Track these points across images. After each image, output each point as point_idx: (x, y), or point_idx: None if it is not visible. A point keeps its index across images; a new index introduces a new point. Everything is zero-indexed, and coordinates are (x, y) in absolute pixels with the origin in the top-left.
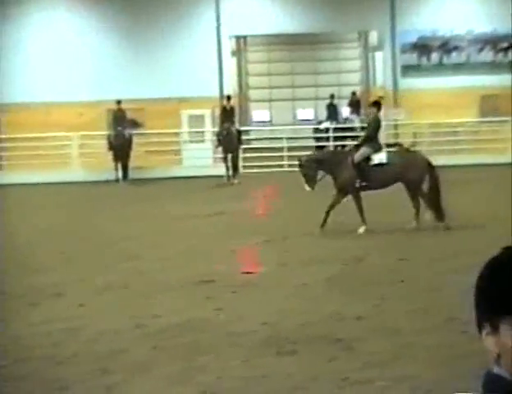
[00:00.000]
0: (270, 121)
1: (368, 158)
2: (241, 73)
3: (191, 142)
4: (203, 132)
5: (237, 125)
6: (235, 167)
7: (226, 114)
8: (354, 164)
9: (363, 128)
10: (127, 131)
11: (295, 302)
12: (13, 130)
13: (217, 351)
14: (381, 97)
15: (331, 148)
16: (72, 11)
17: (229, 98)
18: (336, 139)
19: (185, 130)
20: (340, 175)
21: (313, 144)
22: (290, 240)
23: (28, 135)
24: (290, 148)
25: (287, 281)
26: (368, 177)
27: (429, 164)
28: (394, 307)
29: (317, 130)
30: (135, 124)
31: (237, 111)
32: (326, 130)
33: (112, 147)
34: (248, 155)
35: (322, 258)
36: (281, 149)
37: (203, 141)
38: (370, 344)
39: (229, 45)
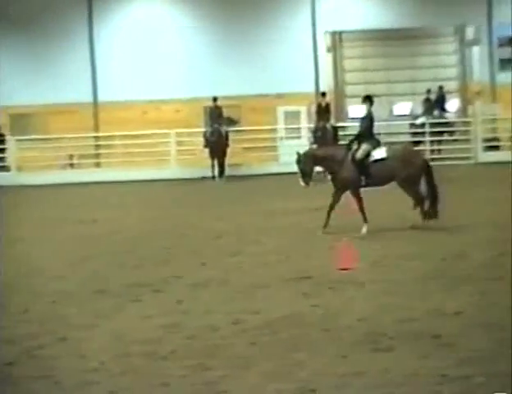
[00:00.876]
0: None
1: (367, 155)
2: (337, 69)
3: (287, 138)
4: (299, 128)
5: (333, 122)
6: None
7: (322, 111)
8: (354, 161)
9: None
10: (223, 128)
11: (392, 298)
12: (111, 128)
13: (314, 347)
14: (478, 92)
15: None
16: (169, 9)
17: (324, 94)
18: (432, 134)
19: (281, 127)
20: (340, 172)
21: (410, 139)
22: (386, 235)
23: (125, 132)
24: (387, 144)
25: (384, 276)
26: (369, 174)
27: (426, 162)
28: (494, 302)
29: (413, 126)
30: (232, 121)
31: (333, 107)
32: (422, 125)
33: (208, 144)
34: None
35: (419, 253)
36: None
37: (299, 137)
38: (469, 340)
39: (324, 41)
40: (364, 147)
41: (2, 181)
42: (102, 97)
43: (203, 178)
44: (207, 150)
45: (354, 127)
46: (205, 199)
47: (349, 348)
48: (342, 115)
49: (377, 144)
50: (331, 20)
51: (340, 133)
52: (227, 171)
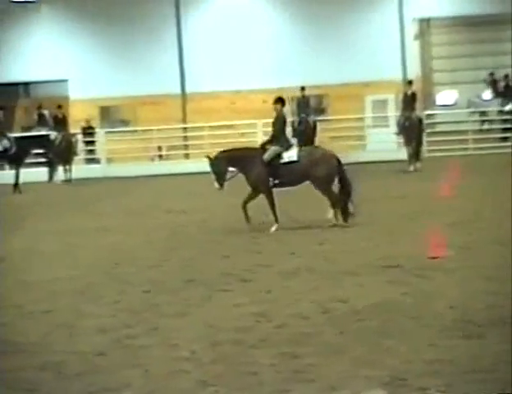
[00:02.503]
0: (454, 104)
1: (278, 156)
2: (424, 56)
3: (375, 127)
4: (386, 117)
5: (420, 111)
6: (417, 155)
7: (407, 100)
8: (264, 163)
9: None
10: (311, 117)
11: (482, 284)
12: (199, 119)
13: (403, 335)
14: None
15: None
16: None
17: (410, 82)
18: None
19: (368, 115)
20: (252, 173)
21: (499, 126)
22: (474, 222)
23: (213, 123)
24: (475, 131)
25: (473, 263)
26: (280, 175)
27: (338, 162)
28: None
29: (501, 112)
30: (319, 110)
31: (420, 95)
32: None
33: (295, 133)
34: (432, 139)
35: (507, 240)
36: (465, 132)
37: (387, 126)
38: None
39: (412, 28)
40: (274, 148)
41: (93, 173)
42: (190, 88)
43: None
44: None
45: (442, 115)
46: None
47: (440, 335)
48: (430, 102)
49: (289, 146)
50: (419, 7)
51: (429, 121)
52: None
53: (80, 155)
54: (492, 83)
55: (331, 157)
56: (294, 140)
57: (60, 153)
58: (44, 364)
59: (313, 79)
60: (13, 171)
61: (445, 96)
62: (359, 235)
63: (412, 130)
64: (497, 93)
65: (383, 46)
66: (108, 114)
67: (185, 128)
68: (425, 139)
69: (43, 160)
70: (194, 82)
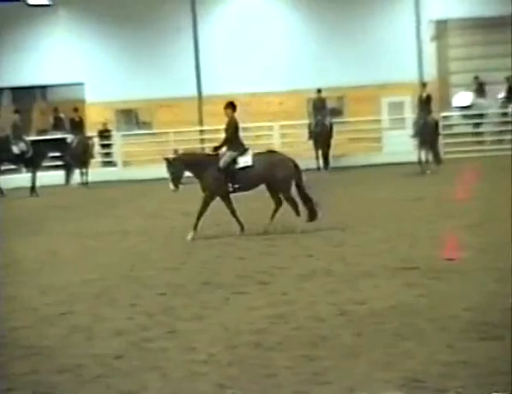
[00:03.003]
0: (471, 106)
1: (233, 162)
2: (441, 58)
3: (391, 129)
4: (403, 119)
5: (436, 113)
6: (436, 155)
7: (422, 103)
8: (220, 169)
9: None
10: (327, 120)
11: (499, 287)
12: (215, 121)
13: (420, 337)
14: None
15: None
16: (271, 1)
17: (424, 85)
18: None
19: (385, 117)
20: (207, 178)
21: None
22: (490, 224)
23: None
24: (493, 133)
25: (489, 265)
26: (236, 180)
27: (295, 166)
28: None
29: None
30: (335, 112)
31: (436, 97)
32: None
33: (312, 136)
34: (449, 141)
35: None
36: (482, 134)
37: (403, 128)
38: None
39: (428, 30)
40: (229, 154)
41: (109, 176)
42: (207, 90)
43: (308, 170)
44: (311, 142)
45: (458, 117)
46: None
47: (456, 337)
48: (446, 104)
49: (244, 151)
50: (435, 9)
51: (445, 123)
52: (332, 163)
53: (97, 158)
54: (478, 86)
55: (288, 161)
56: (310, 143)
57: (76, 156)
58: (62, 367)
59: (330, 81)
60: (30, 175)
61: (461, 98)
62: (376, 237)
63: (427, 133)
64: (482, 97)
65: (400, 48)
66: (125, 118)
67: (201, 131)
68: (441, 141)
69: (59, 163)
70: (211, 85)
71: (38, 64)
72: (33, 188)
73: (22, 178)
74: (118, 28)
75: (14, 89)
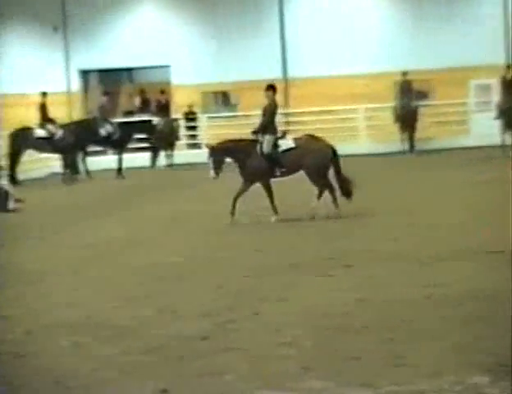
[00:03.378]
0: None
1: (275, 145)
2: None
3: (478, 112)
4: (490, 102)
5: None
6: None
7: (506, 85)
8: (263, 154)
9: None
10: (413, 103)
11: None
12: (301, 104)
13: (502, 321)
14: None
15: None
16: None
17: (508, 67)
18: None
19: (471, 100)
20: (249, 164)
21: None
22: None
23: (315, 108)
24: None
25: None
26: (280, 164)
27: (334, 152)
28: None
29: None
30: (422, 95)
31: None
32: None
33: (398, 119)
34: None
35: None
36: None
37: (490, 110)
38: None
39: None
40: (268, 138)
41: (195, 158)
42: (292, 73)
43: (393, 153)
44: (397, 125)
45: None
46: (390, 172)
47: None
48: None
49: (283, 135)
50: None
51: None
52: (417, 146)
53: (182, 140)
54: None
55: (326, 145)
56: (396, 126)
57: (162, 139)
58: (148, 347)
59: (417, 64)
60: (116, 156)
61: None
62: (461, 219)
63: (510, 115)
64: None
65: (487, 30)
66: (210, 100)
67: (286, 113)
68: None
69: (145, 145)
70: (297, 67)
71: (125, 47)
72: (119, 170)
73: (108, 160)
74: (204, 11)
75: (101, 72)
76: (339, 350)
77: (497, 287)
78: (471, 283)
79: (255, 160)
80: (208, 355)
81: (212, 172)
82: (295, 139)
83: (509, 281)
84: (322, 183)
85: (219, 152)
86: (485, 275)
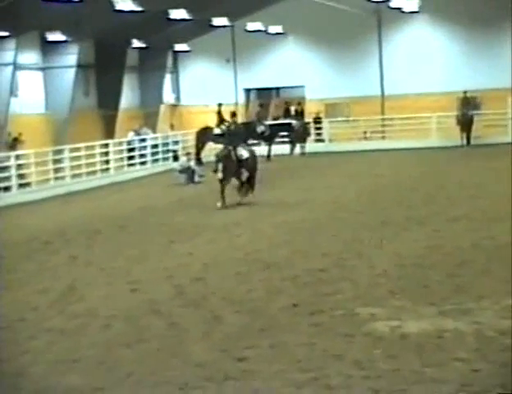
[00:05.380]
0: None
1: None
2: None
3: None
4: None
5: None
6: None
7: None
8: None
9: None
10: (470, 112)
11: None
12: (393, 112)
13: None
14: None
15: None
16: (433, 27)
17: None
18: None
19: (509, 111)
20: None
21: None
22: None
23: (402, 115)
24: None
25: None
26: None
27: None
28: None
29: None
30: (477, 106)
31: None
32: None
33: (459, 123)
34: None
35: None
36: None
37: None
38: None
39: None
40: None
41: (320, 149)
42: (388, 91)
43: (456, 147)
44: (458, 127)
45: None
46: (457, 160)
47: None
48: None
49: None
50: None
51: None
52: (472, 142)
53: (312, 137)
54: None
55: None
56: (458, 128)
57: (298, 135)
58: (285, 277)
59: (472, 85)
60: (267, 147)
61: None
62: (501, 194)
63: None
64: None
65: None
66: (331, 109)
67: (382, 119)
68: None
69: (286, 140)
70: (391, 87)
71: (275, 72)
72: (268, 156)
73: (261, 149)
74: (327, 48)
75: (258, 90)
76: (415, 280)
77: None
78: (507, 236)
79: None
80: (325, 283)
81: (220, 174)
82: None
83: None
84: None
85: (226, 159)
86: None
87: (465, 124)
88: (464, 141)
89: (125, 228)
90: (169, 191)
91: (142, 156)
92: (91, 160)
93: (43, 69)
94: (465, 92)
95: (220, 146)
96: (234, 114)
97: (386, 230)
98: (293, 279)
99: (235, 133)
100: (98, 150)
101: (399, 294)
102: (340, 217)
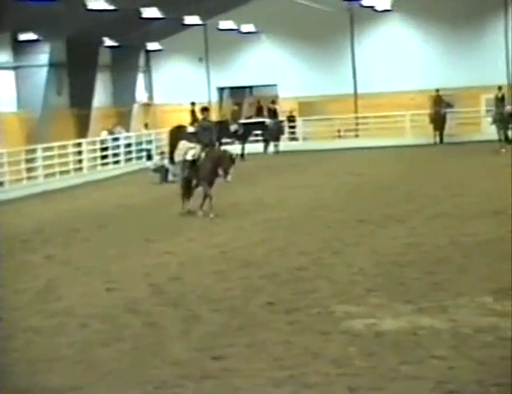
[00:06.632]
0: None
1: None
2: None
3: (486, 117)
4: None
5: None
6: (506, 140)
7: (498, 100)
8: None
9: None
10: (443, 110)
11: None
12: (366, 111)
13: (502, 260)
14: None
15: None
16: (407, 27)
17: (500, 88)
18: None
19: (482, 109)
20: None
21: None
22: None
23: (375, 114)
24: None
25: None
26: None
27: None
28: None
29: None
30: (449, 105)
31: None
32: None
33: (432, 121)
34: None
35: None
36: None
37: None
38: None
39: None
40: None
41: (293, 147)
42: (362, 89)
43: (428, 144)
44: (431, 126)
45: None
46: (428, 157)
47: None
48: None
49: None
50: None
51: None
52: (445, 139)
53: (285, 135)
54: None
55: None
56: (431, 126)
57: (272, 134)
58: (264, 274)
59: (446, 83)
60: (240, 146)
61: None
62: (480, 191)
63: (502, 121)
64: None
65: (494, 60)
66: (305, 108)
67: (356, 117)
68: None
69: (260, 138)
70: (365, 85)
71: (248, 71)
72: (242, 155)
73: (235, 148)
74: (301, 50)
75: (231, 88)
76: (392, 278)
77: (504, 237)
78: (487, 234)
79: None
80: (303, 280)
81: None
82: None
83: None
84: None
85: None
86: (493, 229)
87: (438, 122)
88: (438, 139)
89: (103, 227)
90: (145, 190)
91: (115, 155)
92: (64, 159)
93: (14, 68)
94: (438, 90)
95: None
96: (205, 109)
97: (364, 228)
98: (271, 277)
99: (208, 129)
100: (71, 149)
101: (376, 292)
102: (318, 216)
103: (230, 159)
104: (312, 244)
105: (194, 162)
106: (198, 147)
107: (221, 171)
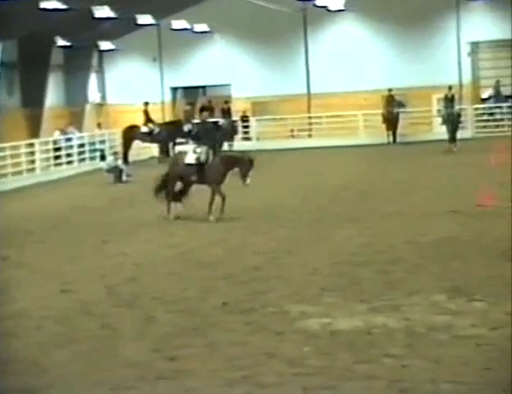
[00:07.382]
0: (489, 98)
1: None
2: (474, 68)
3: (438, 116)
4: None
5: (470, 106)
6: (454, 139)
7: (448, 100)
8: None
9: None
10: (395, 110)
11: None
12: (319, 111)
13: (464, 258)
14: None
15: None
16: (359, 27)
17: (450, 88)
18: None
19: (433, 109)
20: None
21: None
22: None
23: (328, 113)
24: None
25: None
26: None
27: None
28: None
29: None
30: (401, 104)
31: (470, 95)
32: None
33: (385, 120)
34: (479, 124)
35: None
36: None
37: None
38: None
39: (465, 48)
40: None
41: (247, 147)
42: (315, 89)
43: (382, 144)
44: (384, 125)
45: (483, 108)
46: (383, 157)
47: (493, 258)
48: (477, 99)
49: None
50: (470, 33)
51: (477, 112)
52: (398, 139)
53: (239, 135)
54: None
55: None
56: (384, 126)
57: (225, 134)
58: (218, 276)
59: (398, 83)
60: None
61: (485, 93)
62: (435, 189)
63: (452, 121)
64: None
65: (446, 61)
66: (258, 107)
67: (309, 117)
68: (474, 124)
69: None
70: (318, 85)
71: (202, 71)
72: None
73: (189, 148)
74: (254, 48)
75: (185, 88)
76: (348, 278)
77: (458, 235)
78: (441, 233)
79: None
80: (259, 280)
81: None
82: None
83: (465, 231)
84: None
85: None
86: (449, 227)
87: (391, 122)
88: (391, 139)
89: (57, 228)
90: (99, 191)
91: (68, 155)
92: (16, 160)
93: None
94: (390, 90)
95: (148, 145)
96: (204, 108)
97: (320, 228)
98: (226, 278)
99: (209, 130)
100: (23, 150)
101: (331, 291)
102: (274, 216)
103: (249, 162)
104: (268, 244)
105: (201, 164)
106: (203, 149)
107: (239, 175)
